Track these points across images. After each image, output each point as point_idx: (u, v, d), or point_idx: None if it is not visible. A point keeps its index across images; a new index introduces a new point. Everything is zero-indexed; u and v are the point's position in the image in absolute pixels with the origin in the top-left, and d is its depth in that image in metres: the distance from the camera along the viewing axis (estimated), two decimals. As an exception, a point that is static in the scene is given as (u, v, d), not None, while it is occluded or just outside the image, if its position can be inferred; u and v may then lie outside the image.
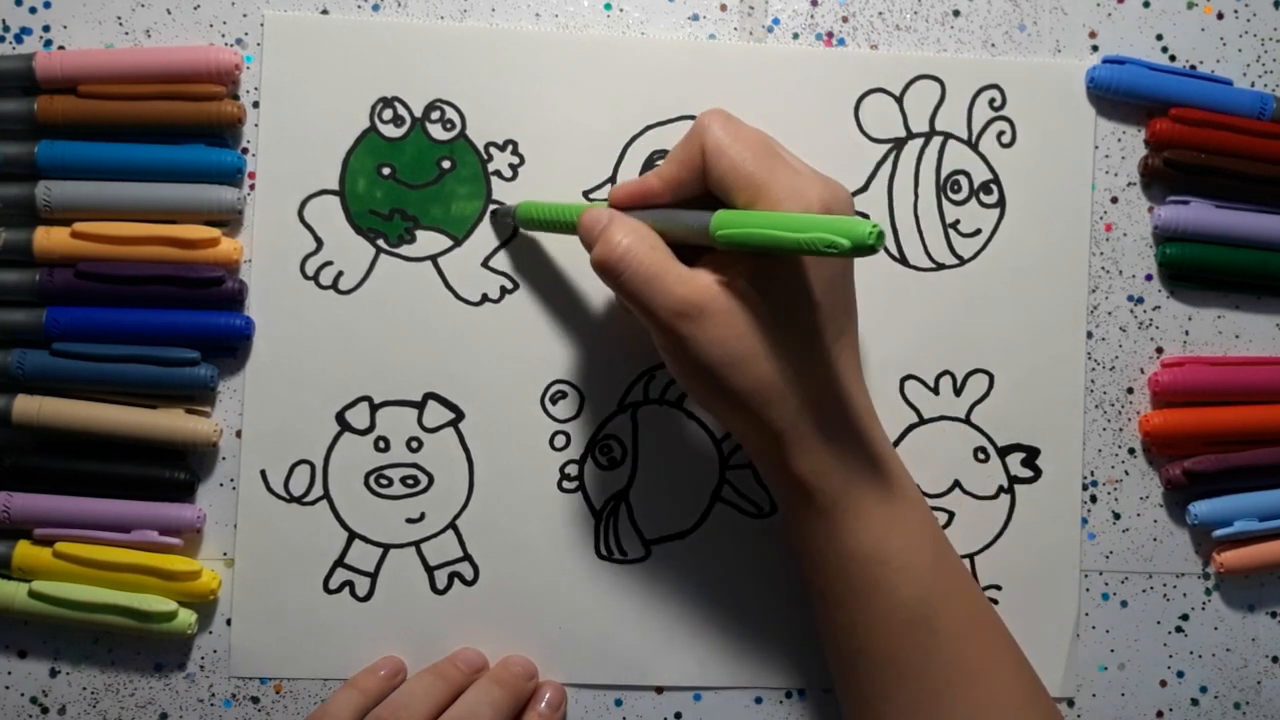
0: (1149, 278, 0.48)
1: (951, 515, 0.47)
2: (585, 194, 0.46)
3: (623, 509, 0.47)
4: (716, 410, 0.40)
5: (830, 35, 0.48)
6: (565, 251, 0.46)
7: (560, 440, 0.47)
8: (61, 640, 0.45)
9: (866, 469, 0.40)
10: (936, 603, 0.40)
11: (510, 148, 0.46)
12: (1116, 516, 0.48)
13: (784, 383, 0.38)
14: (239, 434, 0.46)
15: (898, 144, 0.47)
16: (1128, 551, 0.48)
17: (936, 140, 0.47)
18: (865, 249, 0.33)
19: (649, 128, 0.47)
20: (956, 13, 0.48)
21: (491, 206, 0.46)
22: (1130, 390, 0.48)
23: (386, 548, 0.46)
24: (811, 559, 0.41)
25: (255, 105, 0.46)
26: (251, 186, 0.46)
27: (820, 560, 0.41)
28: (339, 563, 0.46)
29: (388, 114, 0.46)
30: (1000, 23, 0.48)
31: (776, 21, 0.48)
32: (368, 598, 0.46)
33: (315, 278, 0.46)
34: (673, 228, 0.39)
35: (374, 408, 0.46)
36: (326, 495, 0.46)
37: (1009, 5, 0.48)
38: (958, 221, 0.48)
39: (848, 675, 0.42)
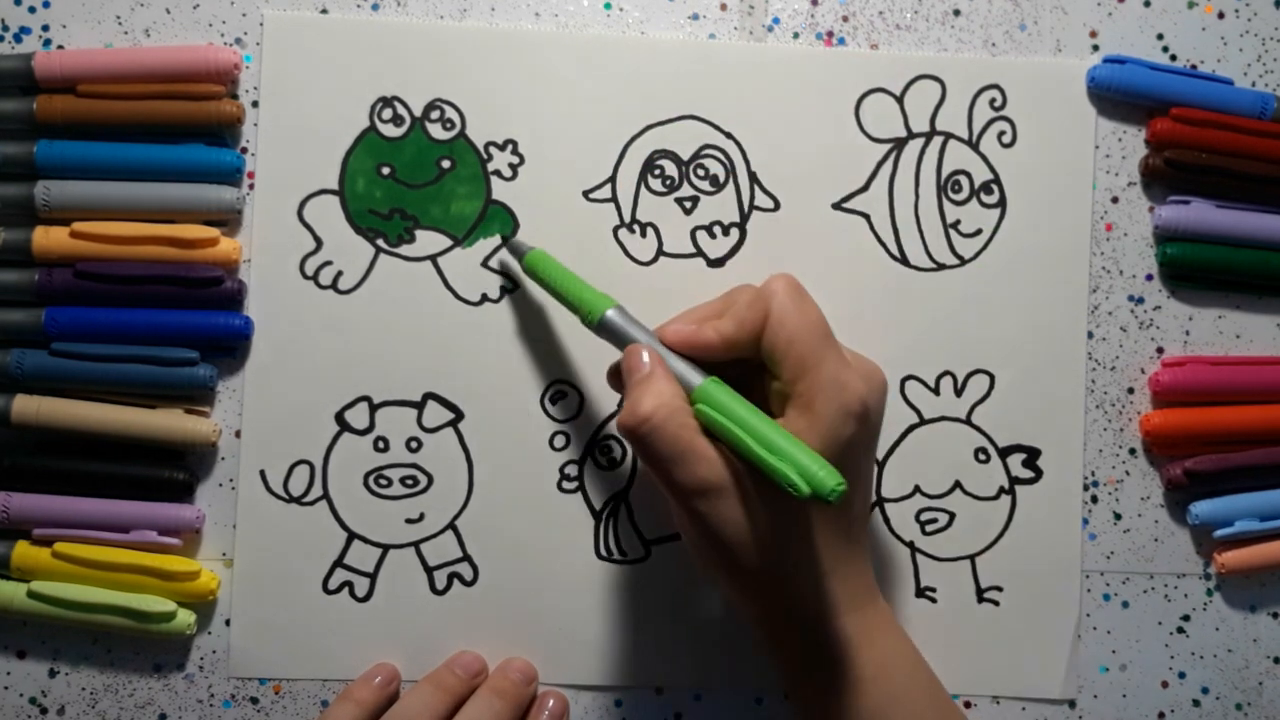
0: (1149, 278, 0.48)
1: (952, 516, 0.47)
2: (585, 194, 0.46)
3: (623, 509, 0.47)
4: (723, 583, 0.40)
5: (830, 35, 0.48)
6: (566, 253, 0.46)
7: (560, 440, 0.46)
8: (61, 640, 0.45)
9: (860, 642, 0.39)
10: None
11: (510, 147, 0.46)
12: (1117, 517, 0.48)
13: (791, 566, 0.38)
14: (238, 434, 0.45)
15: (898, 144, 0.47)
16: (1129, 552, 0.48)
17: (937, 140, 0.47)
18: (821, 500, 0.34)
19: (649, 127, 0.47)
20: (957, 12, 0.48)
21: (499, 245, 0.46)
22: (1131, 390, 0.48)
23: (386, 548, 0.46)
24: (794, 685, 0.41)
25: (255, 105, 0.46)
26: (251, 186, 0.46)
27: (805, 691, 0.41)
28: (338, 563, 0.46)
29: (387, 114, 0.46)
30: (1000, 22, 0.48)
31: (776, 21, 0.47)
32: (367, 598, 0.46)
33: (315, 277, 0.46)
34: (673, 365, 0.39)
35: (373, 408, 0.46)
36: (326, 495, 0.46)
37: (1009, 5, 0.48)
38: (958, 221, 0.48)
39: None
